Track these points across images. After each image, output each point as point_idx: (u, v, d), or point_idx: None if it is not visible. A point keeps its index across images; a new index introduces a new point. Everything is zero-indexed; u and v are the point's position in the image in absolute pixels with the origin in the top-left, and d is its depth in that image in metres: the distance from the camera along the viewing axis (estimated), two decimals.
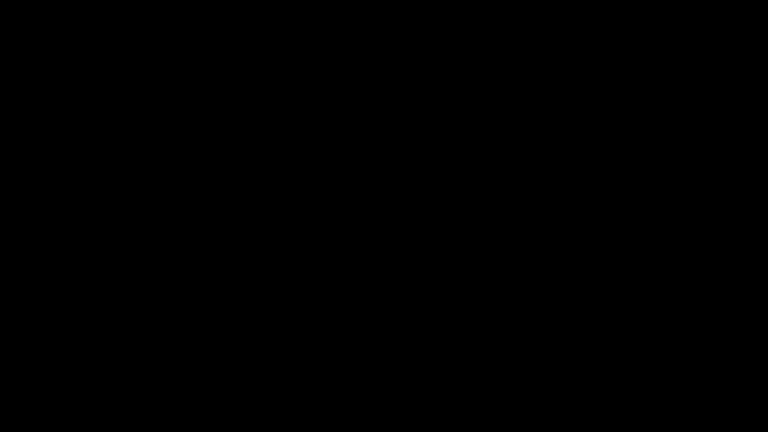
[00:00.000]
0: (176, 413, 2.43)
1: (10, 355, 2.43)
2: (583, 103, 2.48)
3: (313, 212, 2.48)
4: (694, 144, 2.47)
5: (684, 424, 2.41)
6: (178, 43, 2.49)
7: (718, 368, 2.42)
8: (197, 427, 2.42)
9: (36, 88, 2.49)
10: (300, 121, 2.50)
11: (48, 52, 2.49)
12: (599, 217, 2.46)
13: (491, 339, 2.45)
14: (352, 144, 2.49)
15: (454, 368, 2.44)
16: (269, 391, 2.44)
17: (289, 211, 2.48)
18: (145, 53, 2.49)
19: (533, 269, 2.46)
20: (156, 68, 2.49)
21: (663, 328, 2.44)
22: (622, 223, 2.46)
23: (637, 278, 2.45)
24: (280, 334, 2.46)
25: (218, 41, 2.50)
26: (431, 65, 2.49)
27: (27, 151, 2.47)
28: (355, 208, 2.48)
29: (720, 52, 2.48)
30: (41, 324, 2.44)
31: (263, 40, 2.50)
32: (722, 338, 2.43)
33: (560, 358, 2.44)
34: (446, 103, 2.49)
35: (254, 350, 2.45)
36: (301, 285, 2.47)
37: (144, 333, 2.45)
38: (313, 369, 2.45)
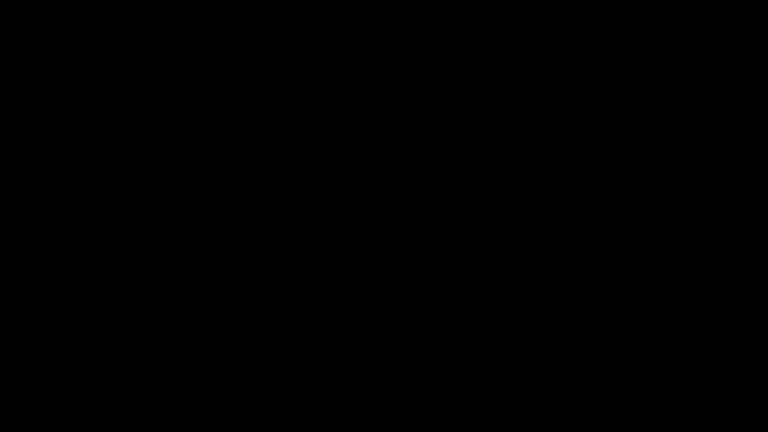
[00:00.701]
0: (176, 413, 2.43)
1: (10, 355, 2.44)
2: (582, 104, 2.49)
3: (312, 212, 2.48)
4: (694, 144, 2.47)
5: (684, 424, 2.41)
6: (178, 43, 2.50)
7: (718, 368, 2.43)
8: (197, 427, 2.43)
9: (36, 88, 2.49)
10: (300, 122, 2.50)
11: (48, 52, 2.49)
12: (599, 217, 2.47)
13: (491, 339, 2.45)
14: (351, 144, 2.49)
15: (454, 368, 2.45)
16: (269, 391, 2.44)
17: (289, 211, 2.48)
18: (145, 53, 2.50)
19: (533, 269, 2.46)
20: (156, 68, 2.50)
21: (663, 328, 2.44)
22: (622, 223, 2.46)
23: (637, 278, 2.45)
24: (280, 334, 2.46)
25: (218, 41, 2.50)
26: (431, 65, 2.50)
27: (27, 151, 2.48)
28: (354, 208, 2.48)
29: (720, 52, 2.48)
30: (41, 324, 2.44)
31: (263, 40, 2.50)
32: (722, 338, 2.43)
33: (560, 358, 2.44)
34: (446, 103, 2.49)
35: (254, 350, 2.45)
36: (301, 285, 2.47)
37: (144, 333, 2.45)
38: (313, 369, 2.45)
